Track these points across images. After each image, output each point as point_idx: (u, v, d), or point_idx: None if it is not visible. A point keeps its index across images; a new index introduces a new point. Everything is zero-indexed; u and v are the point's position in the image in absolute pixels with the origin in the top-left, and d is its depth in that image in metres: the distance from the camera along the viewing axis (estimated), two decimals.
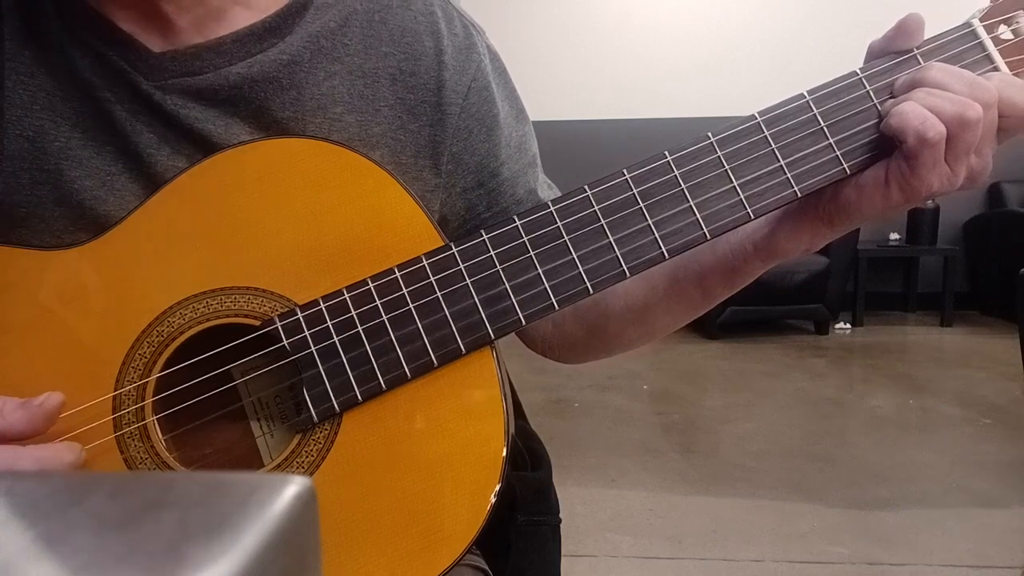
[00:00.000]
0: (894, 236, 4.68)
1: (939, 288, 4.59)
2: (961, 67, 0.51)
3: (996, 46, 0.53)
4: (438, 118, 0.61)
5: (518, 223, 0.53)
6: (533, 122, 0.69)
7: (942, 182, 0.49)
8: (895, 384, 3.38)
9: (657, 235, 0.52)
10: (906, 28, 0.53)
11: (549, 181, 0.70)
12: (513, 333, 0.58)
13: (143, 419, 0.51)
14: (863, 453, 2.57)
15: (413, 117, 0.60)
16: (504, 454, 0.51)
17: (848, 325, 4.54)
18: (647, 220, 0.52)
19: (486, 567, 0.67)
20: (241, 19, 0.57)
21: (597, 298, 0.63)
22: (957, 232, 4.75)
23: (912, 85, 0.51)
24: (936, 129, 0.48)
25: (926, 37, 0.53)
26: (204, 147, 0.56)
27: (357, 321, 0.52)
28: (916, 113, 0.48)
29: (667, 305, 0.62)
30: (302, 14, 0.58)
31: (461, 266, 0.52)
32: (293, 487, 0.19)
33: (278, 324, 0.52)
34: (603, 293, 0.59)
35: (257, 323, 0.52)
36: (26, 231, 0.55)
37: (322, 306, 0.52)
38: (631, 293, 0.63)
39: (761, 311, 4.22)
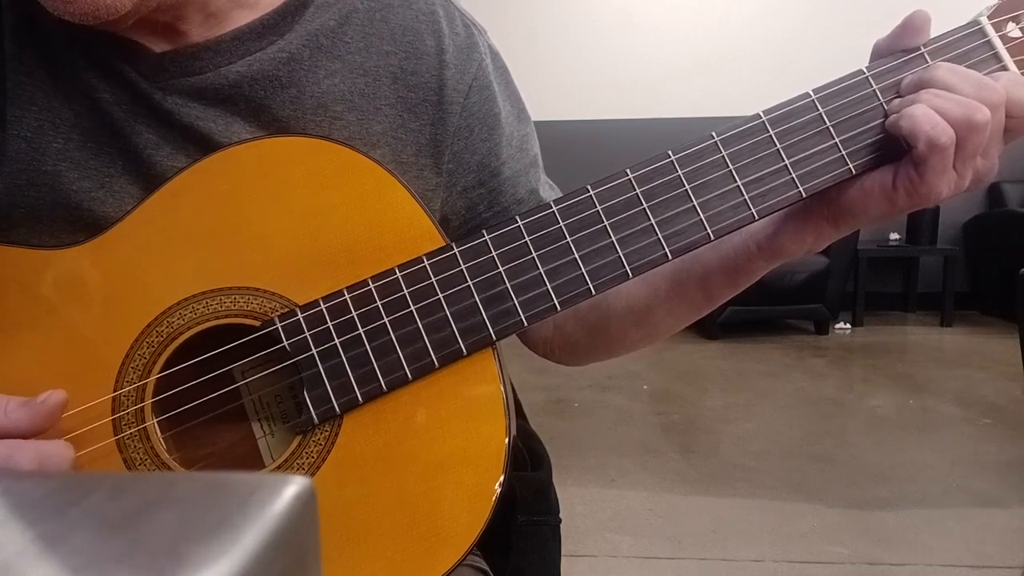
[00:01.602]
0: (894, 236, 4.68)
1: (939, 288, 4.59)
2: (968, 66, 0.51)
3: (1004, 44, 0.52)
4: (439, 117, 0.61)
5: (520, 223, 0.52)
6: (534, 122, 0.69)
7: (950, 187, 0.49)
8: (895, 384, 3.38)
9: (660, 236, 0.52)
10: (912, 25, 0.52)
11: (551, 182, 0.70)
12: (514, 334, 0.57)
13: (143, 421, 0.51)
14: (863, 453, 2.57)
15: (414, 116, 0.60)
16: (506, 455, 0.51)
17: (848, 325, 4.54)
18: (650, 220, 0.52)
19: (486, 567, 0.67)
20: (243, 19, 0.57)
21: (598, 300, 0.63)
22: (957, 232, 4.75)
23: (919, 85, 0.50)
24: (947, 133, 0.47)
25: (932, 36, 0.52)
26: (204, 147, 0.55)
27: (358, 322, 0.51)
28: (927, 117, 0.47)
29: (669, 306, 0.62)
30: (301, 12, 0.58)
31: (463, 266, 0.52)
32: (293, 487, 0.19)
33: (278, 325, 0.51)
34: (605, 294, 0.59)
35: (257, 323, 0.52)
36: (24, 231, 0.55)
37: (322, 307, 0.51)
38: (633, 294, 0.63)
39: (761, 311, 4.22)
